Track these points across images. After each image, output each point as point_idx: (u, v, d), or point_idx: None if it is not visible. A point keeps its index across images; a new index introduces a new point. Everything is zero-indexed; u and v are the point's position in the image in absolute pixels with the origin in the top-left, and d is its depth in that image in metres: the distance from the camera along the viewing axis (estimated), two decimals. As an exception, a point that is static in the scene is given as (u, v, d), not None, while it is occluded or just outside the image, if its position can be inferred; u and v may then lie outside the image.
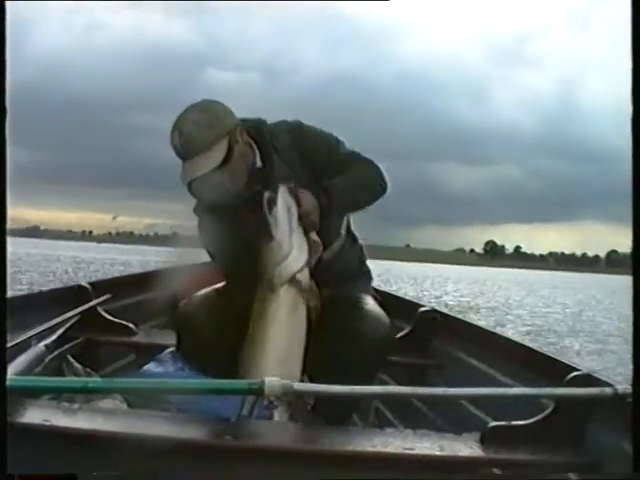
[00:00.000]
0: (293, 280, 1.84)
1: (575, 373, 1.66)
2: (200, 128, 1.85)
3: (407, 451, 1.45)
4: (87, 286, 2.82)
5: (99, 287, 2.88)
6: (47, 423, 1.39)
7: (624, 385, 1.45)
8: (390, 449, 1.48)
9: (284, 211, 1.83)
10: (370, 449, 1.48)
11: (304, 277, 1.86)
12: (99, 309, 2.73)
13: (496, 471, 1.47)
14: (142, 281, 3.27)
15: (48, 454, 1.34)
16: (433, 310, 2.71)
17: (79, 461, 1.32)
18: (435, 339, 2.57)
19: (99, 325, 2.68)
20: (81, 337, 2.56)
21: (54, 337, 2.30)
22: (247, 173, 1.95)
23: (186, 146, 1.86)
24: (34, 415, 1.42)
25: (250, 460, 1.40)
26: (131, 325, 2.75)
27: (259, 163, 1.97)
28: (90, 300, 2.73)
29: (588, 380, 1.62)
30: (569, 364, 1.79)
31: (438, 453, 1.45)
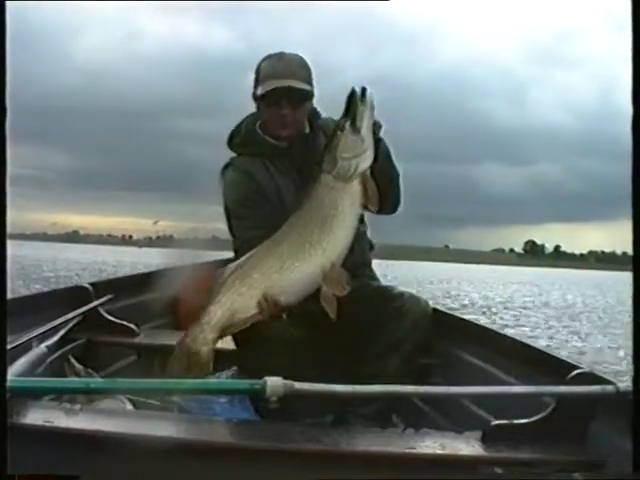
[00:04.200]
0: (363, 175, 1.90)
1: (577, 371, 1.66)
2: (300, 62, 2.15)
3: (409, 450, 1.45)
4: (88, 287, 2.81)
5: (100, 288, 2.87)
6: (48, 424, 1.38)
7: (626, 383, 1.45)
8: (392, 448, 1.48)
9: (370, 114, 1.88)
10: (371, 448, 1.48)
11: (369, 178, 1.92)
12: (100, 310, 2.73)
13: (498, 470, 1.47)
14: (143, 282, 3.27)
15: (49, 455, 1.34)
16: (434, 310, 2.70)
17: (81, 462, 1.32)
18: (437, 338, 2.56)
19: (100, 326, 2.68)
20: (82, 338, 2.56)
21: (56, 338, 2.30)
22: (286, 132, 2.17)
23: (285, 67, 2.10)
24: (36, 416, 1.41)
25: (250, 460, 1.40)
26: (132, 326, 2.75)
27: (307, 130, 2.24)
28: (91, 301, 2.73)
29: (590, 378, 1.62)
30: (571, 362, 1.78)
31: (440, 452, 1.45)
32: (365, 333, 2.13)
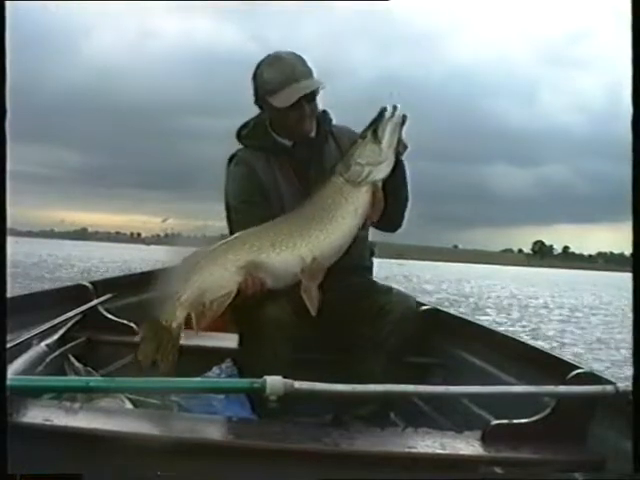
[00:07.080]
0: (374, 186, 1.92)
1: (577, 371, 1.66)
2: (299, 61, 2.09)
3: (409, 450, 1.45)
4: (88, 285, 2.82)
5: (100, 286, 2.88)
6: (48, 422, 1.38)
7: (625, 383, 1.45)
8: (392, 448, 1.48)
9: (396, 130, 1.93)
10: (371, 448, 1.48)
11: (380, 189, 1.94)
12: (100, 308, 2.73)
13: (497, 470, 1.47)
14: (143, 280, 3.26)
15: (49, 453, 1.34)
16: (434, 309, 2.71)
17: (80, 460, 1.32)
18: (436, 337, 2.56)
19: (100, 324, 2.68)
20: (82, 336, 2.56)
21: (55, 337, 2.30)
22: (307, 129, 2.15)
23: (294, 70, 2.04)
24: (35, 415, 1.41)
25: (250, 460, 1.39)
26: (132, 324, 2.75)
27: (313, 134, 2.19)
28: (91, 299, 2.73)
29: (590, 378, 1.62)
30: (571, 362, 1.78)
31: (439, 451, 1.45)
32: (351, 330, 2.15)
